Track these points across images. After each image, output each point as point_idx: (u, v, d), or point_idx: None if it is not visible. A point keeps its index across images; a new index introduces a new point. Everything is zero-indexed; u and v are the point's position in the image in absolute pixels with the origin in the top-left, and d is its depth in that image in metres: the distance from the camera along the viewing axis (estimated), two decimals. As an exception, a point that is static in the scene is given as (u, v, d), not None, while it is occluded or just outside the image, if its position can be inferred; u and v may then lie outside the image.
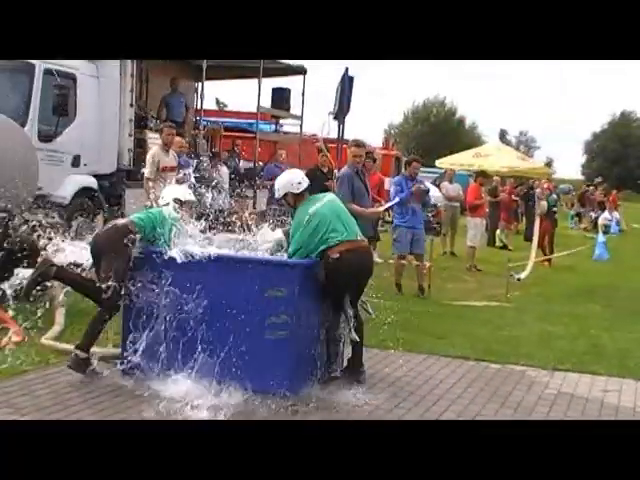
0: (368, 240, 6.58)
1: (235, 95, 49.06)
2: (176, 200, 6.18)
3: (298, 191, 5.99)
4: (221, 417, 4.95)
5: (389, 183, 18.47)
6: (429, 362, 6.89)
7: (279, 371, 5.50)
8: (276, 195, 6.20)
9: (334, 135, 16.02)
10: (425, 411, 5.55)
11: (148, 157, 9.35)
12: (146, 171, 9.13)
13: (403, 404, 5.67)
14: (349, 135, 16.01)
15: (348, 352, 6.12)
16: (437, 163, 24.72)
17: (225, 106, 35.05)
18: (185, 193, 6.32)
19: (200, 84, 14.30)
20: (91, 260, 5.88)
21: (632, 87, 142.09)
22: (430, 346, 7.37)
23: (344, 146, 11.83)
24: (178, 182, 7.58)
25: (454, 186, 16.82)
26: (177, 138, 10.00)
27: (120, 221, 6.09)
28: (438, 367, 6.76)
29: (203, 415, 4.97)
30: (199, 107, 14.57)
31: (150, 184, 9.03)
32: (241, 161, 15.67)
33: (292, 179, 6.08)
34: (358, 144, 8.45)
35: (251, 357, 5.48)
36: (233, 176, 13.82)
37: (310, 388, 5.70)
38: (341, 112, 13.80)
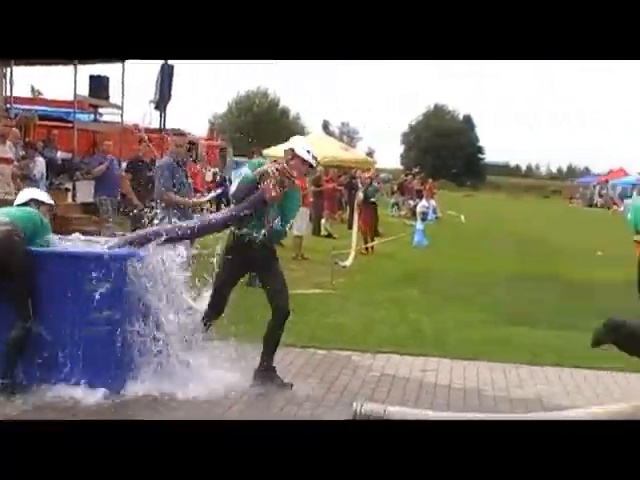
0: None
1: (51, 82, 46.83)
2: (35, 201, 5.85)
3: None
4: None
5: (211, 175, 18.26)
6: (257, 352, 6.89)
7: (104, 366, 5.44)
8: (310, 157, 6.08)
9: (156, 125, 15.68)
10: (255, 399, 5.57)
11: None
12: None
13: (234, 395, 5.67)
14: (171, 125, 15.78)
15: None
16: (264, 153, 24.87)
17: (40, 94, 33.33)
18: (44, 195, 6.08)
19: (9, 69, 13.52)
20: None
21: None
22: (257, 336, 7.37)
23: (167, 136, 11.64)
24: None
25: (279, 176, 16.94)
26: (14, 129, 9.97)
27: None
28: (266, 356, 6.78)
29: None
30: (9, 94, 13.76)
31: None
32: (58, 152, 14.98)
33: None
34: (181, 133, 8.59)
35: (78, 353, 5.42)
36: (50, 167, 13.19)
37: (138, 384, 5.57)
38: (162, 101, 13.56)
